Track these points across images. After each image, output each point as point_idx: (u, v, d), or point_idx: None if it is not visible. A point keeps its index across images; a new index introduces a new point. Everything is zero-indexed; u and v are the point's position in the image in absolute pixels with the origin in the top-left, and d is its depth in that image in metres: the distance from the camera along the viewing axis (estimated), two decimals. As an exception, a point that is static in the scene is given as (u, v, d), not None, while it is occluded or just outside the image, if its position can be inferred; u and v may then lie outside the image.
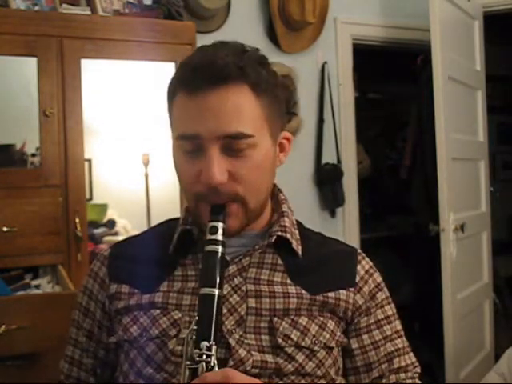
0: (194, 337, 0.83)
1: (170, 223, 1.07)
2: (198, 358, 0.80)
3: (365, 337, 0.99)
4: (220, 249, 0.87)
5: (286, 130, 1.00)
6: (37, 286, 1.96)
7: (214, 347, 0.81)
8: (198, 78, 0.87)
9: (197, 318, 0.84)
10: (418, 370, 1.04)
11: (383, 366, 1.00)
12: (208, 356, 0.80)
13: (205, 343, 0.80)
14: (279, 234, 0.97)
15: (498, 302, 3.65)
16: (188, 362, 0.81)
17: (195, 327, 0.83)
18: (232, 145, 0.88)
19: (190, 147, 0.90)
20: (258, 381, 0.82)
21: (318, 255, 1.01)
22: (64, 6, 2.21)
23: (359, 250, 1.06)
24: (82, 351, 1.03)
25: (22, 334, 1.59)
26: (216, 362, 0.80)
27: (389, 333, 1.01)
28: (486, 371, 2.28)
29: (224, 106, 0.87)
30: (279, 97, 0.95)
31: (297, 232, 1.02)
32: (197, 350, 0.80)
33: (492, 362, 2.98)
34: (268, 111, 0.92)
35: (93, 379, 1.03)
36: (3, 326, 1.58)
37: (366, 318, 0.99)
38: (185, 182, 0.94)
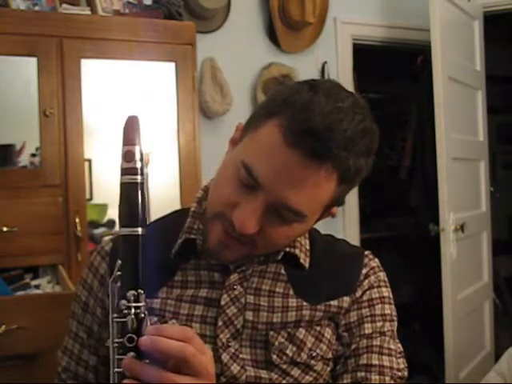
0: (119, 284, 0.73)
1: (176, 216, 1.03)
2: (125, 311, 0.70)
3: (345, 334, 0.95)
4: (139, 179, 0.71)
5: None
6: (37, 286, 1.96)
7: (142, 296, 0.71)
8: (307, 141, 0.79)
9: (120, 262, 0.72)
10: (400, 374, 0.96)
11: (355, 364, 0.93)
12: (137, 308, 0.70)
13: (132, 292, 0.71)
14: (287, 249, 0.95)
15: (498, 301, 3.65)
16: (115, 315, 0.71)
17: (119, 273, 0.72)
18: (282, 213, 0.84)
19: (243, 179, 0.84)
20: (210, 352, 0.74)
21: (322, 263, 0.97)
22: (64, 5, 2.21)
23: (366, 252, 1.02)
24: (82, 347, 1.01)
25: (22, 334, 1.59)
26: (147, 312, 0.71)
27: (369, 331, 0.95)
28: (486, 371, 2.27)
29: (305, 182, 0.81)
30: (356, 183, 0.89)
31: (307, 242, 0.98)
32: (124, 301, 0.71)
33: (492, 362, 2.98)
34: (337, 196, 0.88)
35: (92, 376, 1.01)
36: (3, 326, 1.58)
37: (348, 314, 0.95)
38: (217, 197, 0.89)
